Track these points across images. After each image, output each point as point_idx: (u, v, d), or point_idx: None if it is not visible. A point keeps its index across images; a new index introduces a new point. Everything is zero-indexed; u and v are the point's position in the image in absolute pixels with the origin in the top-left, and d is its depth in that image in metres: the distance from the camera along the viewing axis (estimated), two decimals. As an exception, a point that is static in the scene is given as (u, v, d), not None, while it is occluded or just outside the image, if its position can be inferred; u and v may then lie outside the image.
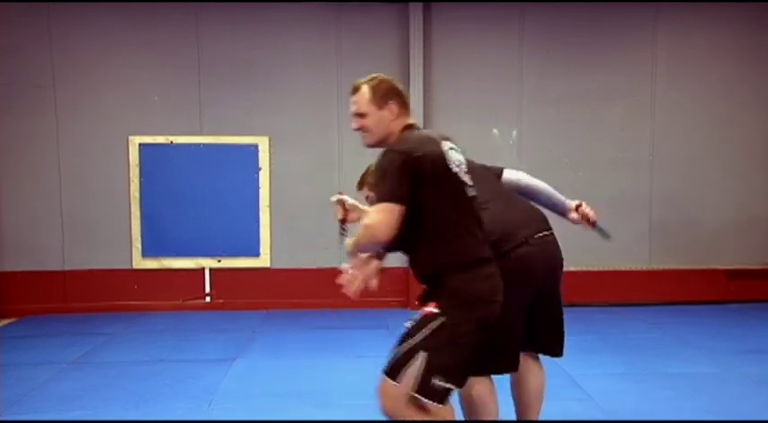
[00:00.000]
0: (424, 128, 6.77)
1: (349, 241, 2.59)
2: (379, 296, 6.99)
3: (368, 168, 2.99)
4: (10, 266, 6.83)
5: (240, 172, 6.99)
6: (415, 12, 6.88)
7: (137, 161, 6.86)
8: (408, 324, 2.52)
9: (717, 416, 3.91)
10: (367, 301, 6.96)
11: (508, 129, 7.01)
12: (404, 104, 2.63)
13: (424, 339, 2.45)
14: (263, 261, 7.03)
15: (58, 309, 6.82)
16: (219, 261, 6.98)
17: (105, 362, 5.20)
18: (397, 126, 2.61)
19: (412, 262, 2.60)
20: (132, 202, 6.88)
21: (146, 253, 6.91)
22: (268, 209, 7.01)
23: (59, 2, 6.69)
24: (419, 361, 2.43)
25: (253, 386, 4.55)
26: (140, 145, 6.87)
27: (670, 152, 7.19)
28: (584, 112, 6.94)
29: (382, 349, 5.28)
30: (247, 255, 7.01)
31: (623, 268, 6.99)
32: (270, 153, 6.97)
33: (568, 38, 6.99)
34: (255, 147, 6.96)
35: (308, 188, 6.92)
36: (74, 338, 5.88)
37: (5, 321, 6.63)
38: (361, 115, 2.60)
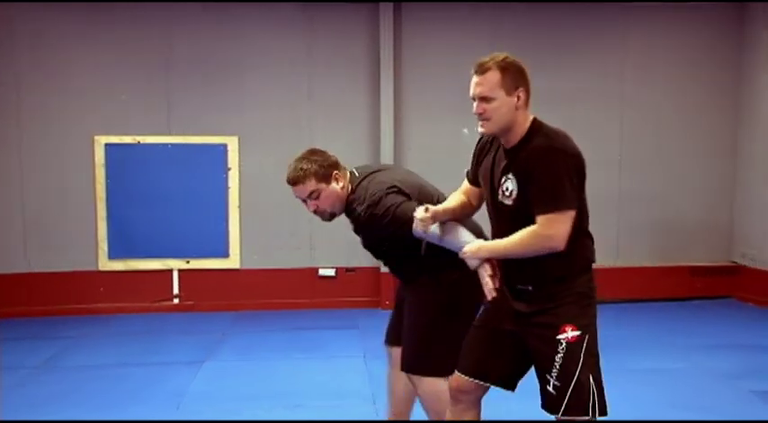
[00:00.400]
0: (395, 128, 6.95)
1: (486, 245, 2.42)
2: (350, 296, 7.01)
3: (300, 161, 2.84)
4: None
5: (209, 172, 6.91)
6: (386, 12, 6.87)
7: (102, 161, 6.75)
8: (558, 356, 2.34)
9: (683, 410, 3.98)
10: (337, 301, 6.96)
11: (478, 128, 7.04)
12: (530, 91, 2.39)
13: (584, 365, 2.34)
14: (233, 262, 6.96)
15: (22, 312, 6.67)
16: (188, 262, 6.90)
17: (70, 366, 5.11)
18: (522, 116, 2.36)
19: (537, 264, 2.33)
20: (98, 202, 6.76)
21: (112, 255, 6.79)
22: (238, 209, 6.94)
23: (23, 1, 6.55)
24: (593, 388, 2.35)
25: (222, 388, 4.51)
26: (106, 145, 6.75)
27: (638, 152, 7.29)
28: (554, 112, 6.93)
29: (353, 350, 5.38)
30: (217, 256, 6.94)
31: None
32: (239, 153, 6.91)
33: (540, 38, 7.05)
34: (225, 147, 6.90)
35: (279, 188, 6.70)
36: (38, 343, 5.77)
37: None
38: (486, 100, 2.34)
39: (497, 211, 2.41)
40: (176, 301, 6.94)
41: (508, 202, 2.34)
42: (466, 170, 2.66)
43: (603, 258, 7.04)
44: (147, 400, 4.27)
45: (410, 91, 7.04)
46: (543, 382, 2.37)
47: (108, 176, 6.76)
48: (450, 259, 2.61)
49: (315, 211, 2.82)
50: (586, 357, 2.33)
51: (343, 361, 5.13)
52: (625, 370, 4.77)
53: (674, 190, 7.32)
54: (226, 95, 6.89)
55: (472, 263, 2.43)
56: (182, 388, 4.50)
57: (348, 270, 7.01)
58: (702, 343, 5.58)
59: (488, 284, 2.38)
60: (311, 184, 2.77)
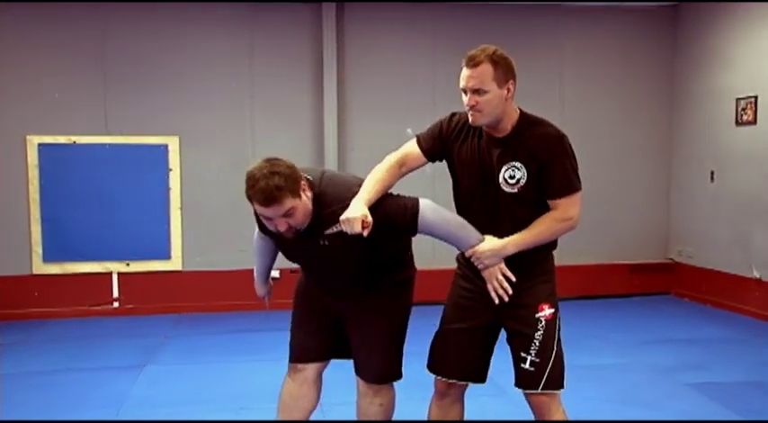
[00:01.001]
0: (339, 128, 6.91)
1: (512, 241, 2.42)
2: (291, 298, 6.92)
3: (271, 177, 2.34)
4: None
5: (149, 173, 6.75)
6: (329, 11, 6.83)
7: (35, 162, 6.52)
8: (537, 333, 2.49)
9: (622, 404, 4.07)
10: (282, 302, 6.85)
11: (421, 128, 7.06)
12: (516, 83, 2.46)
13: (558, 341, 2.54)
14: (175, 264, 6.83)
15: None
16: (128, 265, 6.73)
17: (3, 374, 4.87)
18: (511, 107, 2.46)
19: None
20: (31, 204, 6.52)
21: (47, 258, 6.56)
22: (179, 210, 6.81)
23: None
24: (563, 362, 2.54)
25: (164, 393, 4.41)
26: (39, 145, 6.52)
27: (577, 152, 7.41)
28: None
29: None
30: (158, 258, 6.79)
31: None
32: (180, 153, 6.77)
33: (479, 39, 7.08)
34: (165, 147, 6.75)
35: (221, 189, 6.75)
36: (-32, 350, 5.54)
37: None
38: (478, 92, 2.38)
39: (491, 198, 2.46)
40: (116, 304, 6.75)
41: (512, 189, 2.43)
42: (417, 135, 2.67)
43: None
44: (85, 406, 4.14)
45: (353, 91, 7.02)
46: (519, 361, 2.49)
47: (42, 177, 6.53)
48: (403, 257, 2.74)
49: (285, 230, 2.40)
50: (559, 333, 2.52)
51: (287, 363, 5.05)
52: (566, 366, 4.85)
53: (613, 189, 7.48)
54: (166, 95, 6.74)
55: (492, 261, 2.42)
56: (122, 393, 4.38)
57: (292, 271, 6.83)
58: (641, 338, 5.73)
59: (503, 285, 2.42)
60: (288, 202, 2.33)
